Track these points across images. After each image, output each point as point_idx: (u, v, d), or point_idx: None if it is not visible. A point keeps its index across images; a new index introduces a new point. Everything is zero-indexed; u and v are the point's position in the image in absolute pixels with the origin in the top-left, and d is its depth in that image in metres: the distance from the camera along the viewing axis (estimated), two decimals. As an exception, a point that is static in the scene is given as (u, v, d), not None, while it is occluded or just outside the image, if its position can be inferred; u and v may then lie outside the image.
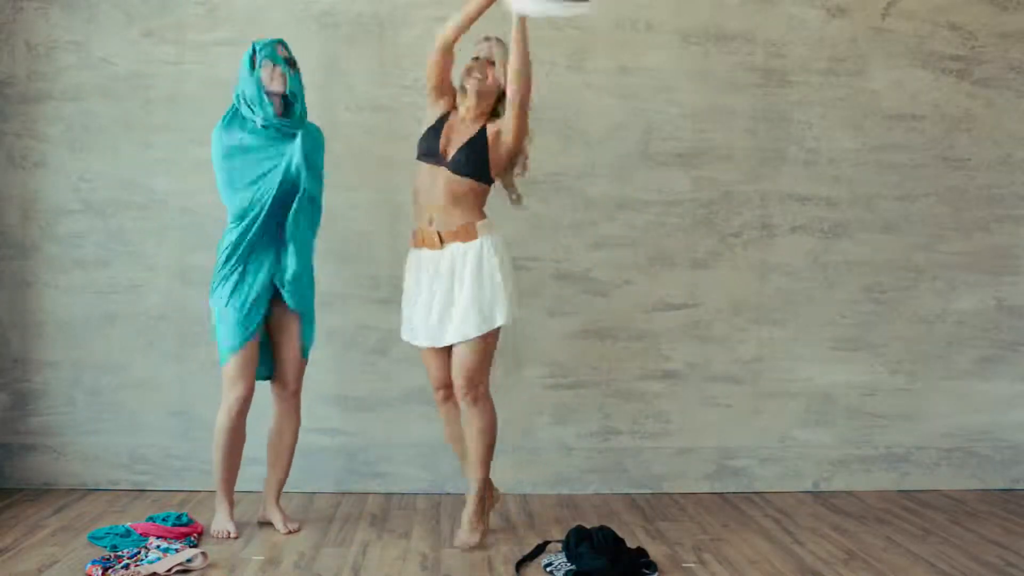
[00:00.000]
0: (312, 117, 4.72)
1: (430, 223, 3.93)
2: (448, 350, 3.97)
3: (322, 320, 4.69)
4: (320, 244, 4.69)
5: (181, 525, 4.04)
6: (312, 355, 4.67)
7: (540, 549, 3.84)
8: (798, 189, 4.87)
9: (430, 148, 3.96)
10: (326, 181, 4.72)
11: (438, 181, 3.92)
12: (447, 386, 4.04)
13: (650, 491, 4.82)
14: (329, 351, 4.73)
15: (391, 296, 4.73)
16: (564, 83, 4.75)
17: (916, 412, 4.95)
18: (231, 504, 4.10)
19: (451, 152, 3.93)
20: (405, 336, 4.09)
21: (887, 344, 4.93)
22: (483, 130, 3.97)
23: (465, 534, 3.92)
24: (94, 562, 3.61)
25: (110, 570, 3.56)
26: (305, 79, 4.65)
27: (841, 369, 4.91)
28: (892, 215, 4.91)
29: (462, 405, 3.96)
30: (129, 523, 4.06)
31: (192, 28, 4.67)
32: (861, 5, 4.85)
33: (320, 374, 4.69)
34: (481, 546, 3.93)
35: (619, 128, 4.80)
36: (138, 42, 4.68)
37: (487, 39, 4.01)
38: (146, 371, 4.72)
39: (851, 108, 4.87)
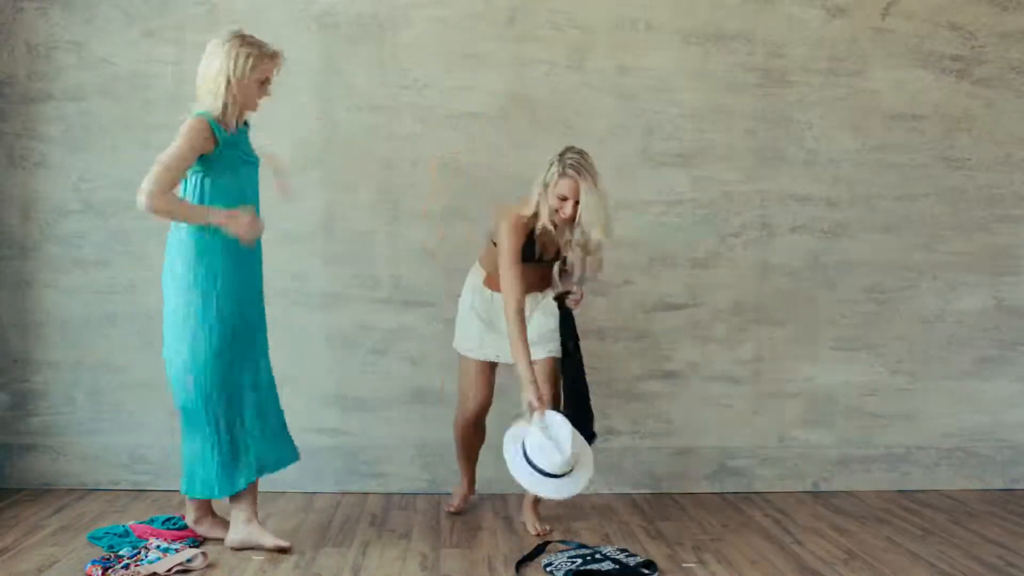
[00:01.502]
0: (312, 117, 4.75)
1: None
2: (494, 376, 4.27)
3: (322, 320, 4.71)
4: (320, 244, 4.72)
5: (178, 529, 4.02)
6: (312, 355, 4.69)
7: (540, 549, 3.84)
8: (798, 189, 4.87)
9: (533, 255, 4.10)
10: (327, 180, 4.74)
11: (537, 272, 4.14)
12: (483, 410, 4.27)
13: (650, 491, 4.82)
14: (329, 351, 4.73)
15: (391, 296, 4.75)
16: (564, 83, 4.75)
17: (916, 412, 4.95)
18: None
19: (548, 255, 4.15)
20: (481, 355, 4.20)
21: (887, 344, 4.93)
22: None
23: (538, 522, 4.18)
24: (94, 562, 3.61)
25: (110, 570, 3.56)
26: (305, 79, 4.67)
27: (841, 369, 4.91)
28: (892, 215, 4.92)
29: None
30: (129, 523, 4.06)
31: (192, 28, 4.67)
32: (861, 5, 4.85)
33: (320, 374, 4.70)
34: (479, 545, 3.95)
35: (619, 128, 4.80)
36: (138, 42, 4.68)
37: (574, 170, 3.92)
38: (146, 371, 4.71)
39: (851, 108, 4.87)
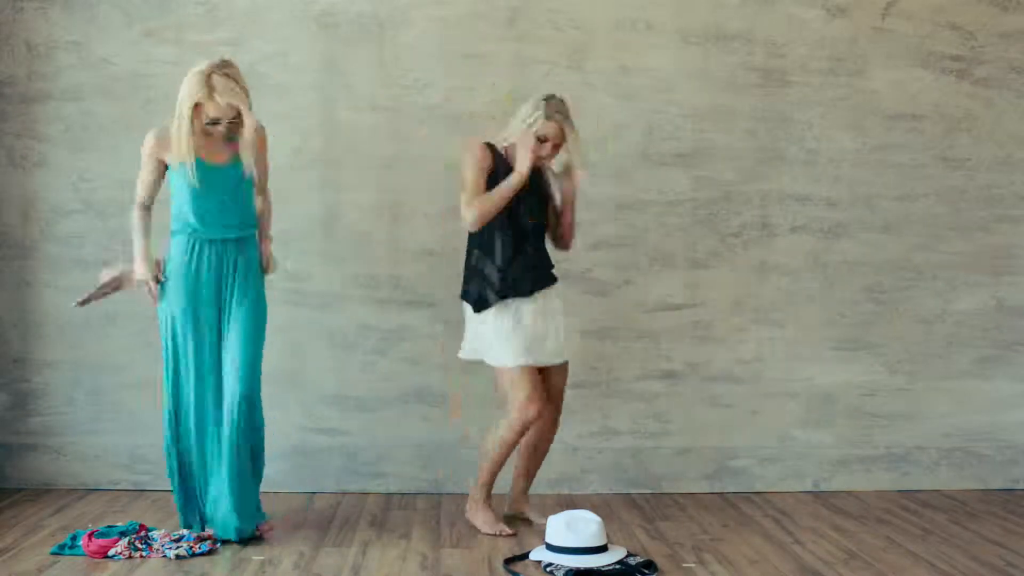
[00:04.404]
0: (312, 117, 4.76)
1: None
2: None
3: (322, 320, 4.71)
4: (320, 244, 4.72)
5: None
6: (312, 355, 4.68)
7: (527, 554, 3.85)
8: (798, 189, 4.87)
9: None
10: (327, 180, 4.74)
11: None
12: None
13: (650, 491, 4.82)
14: (329, 351, 4.73)
15: (391, 296, 4.75)
16: (564, 83, 4.74)
17: (916, 412, 4.95)
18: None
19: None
20: (529, 360, 4.07)
21: (887, 344, 4.93)
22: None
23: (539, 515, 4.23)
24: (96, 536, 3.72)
25: (111, 549, 3.67)
26: (305, 79, 4.68)
27: (841, 369, 4.91)
28: (892, 215, 4.92)
29: (552, 425, 4.25)
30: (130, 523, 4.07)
31: (192, 28, 4.67)
32: (861, 5, 4.85)
33: (320, 374, 4.70)
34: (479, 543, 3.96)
35: (619, 128, 4.80)
36: (138, 42, 4.68)
37: (557, 113, 4.01)
38: (146, 371, 4.70)
39: (851, 108, 4.87)
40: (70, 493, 4.64)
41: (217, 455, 3.95)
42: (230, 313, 3.96)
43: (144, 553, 3.74)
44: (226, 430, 3.92)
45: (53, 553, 3.77)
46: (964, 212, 4.95)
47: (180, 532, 3.92)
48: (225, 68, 3.84)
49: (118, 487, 4.72)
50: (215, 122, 3.84)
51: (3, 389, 4.74)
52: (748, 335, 4.88)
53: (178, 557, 3.73)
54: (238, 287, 3.97)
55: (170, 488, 4.07)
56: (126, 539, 3.77)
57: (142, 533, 3.87)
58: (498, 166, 4.07)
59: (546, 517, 4.03)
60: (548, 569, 3.65)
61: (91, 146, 4.70)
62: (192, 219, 3.92)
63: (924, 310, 4.94)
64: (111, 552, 3.72)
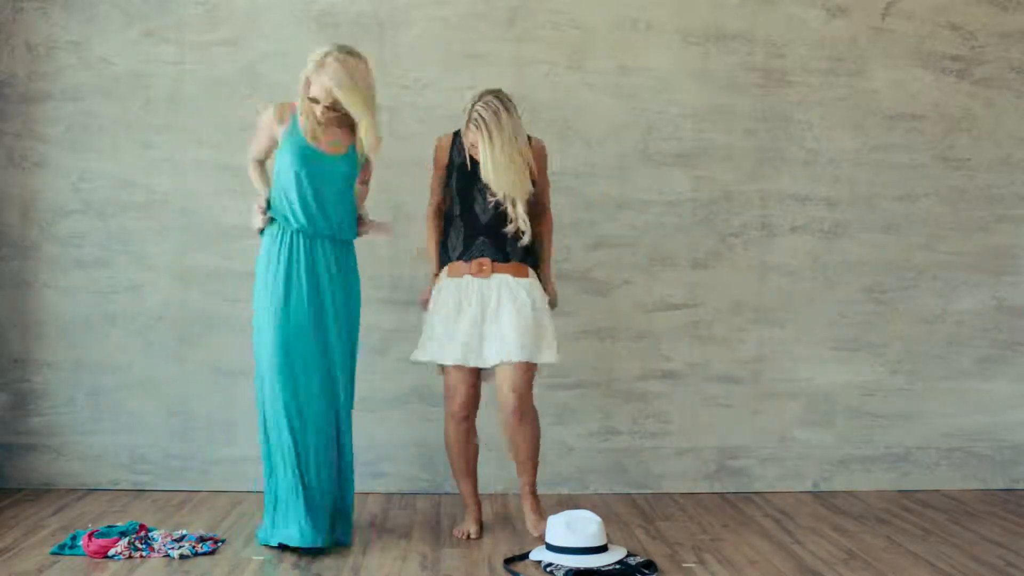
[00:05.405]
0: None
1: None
2: (476, 373, 4.08)
3: (322, 320, 4.70)
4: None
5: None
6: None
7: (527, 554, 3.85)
8: (798, 189, 4.88)
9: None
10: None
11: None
12: (469, 406, 4.09)
13: (650, 491, 4.82)
14: (329, 351, 4.73)
15: (391, 296, 4.75)
16: (564, 83, 4.75)
17: (916, 412, 4.95)
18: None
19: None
20: (430, 356, 4.05)
21: (887, 344, 4.93)
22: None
23: (538, 522, 4.08)
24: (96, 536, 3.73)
25: (111, 549, 3.69)
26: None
27: (841, 369, 4.91)
28: (892, 215, 4.92)
29: (512, 420, 4.05)
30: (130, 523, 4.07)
31: (192, 28, 4.67)
32: (861, 5, 4.85)
33: (320, 374, 4.70)
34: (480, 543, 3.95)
35: (619, 128, 4.80)
36: (138, 42, 4.68)
37: (478, 122, 3.91)
38: (146, 371, 4.72)
39: (851, 108, 4.87)
40: (70, 493, 4.64)
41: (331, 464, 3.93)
42: (329, 317, 3.92)
43: (144, 553, 3.74)
44: (334, 439, 3.93)
45: (53, 553, 3.77)
46: (964, 212, 4.95)
47: (181, 532, 3.93)
48: (347, 54, 3.82)
49: (118, 487, 4.72)
50: (314, 100, 3.85)
51: (3, 389, 4.74)
52: (748, 335, 4.88)
53: (181, 557, 3.73)
54: (340, 294, 3.96)
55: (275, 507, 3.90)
56: (126, 539, 3.78)
57: (142, 533, 3.88)
58: (451, 154, 4.10)
59: (538, 525, 4.06)
60: (548, 569, 3.65)
61: (91, 146, 4.70)
62: (295, 209, 3.88)
63: (924, 310, 4.95)
64: (111, 552, 3.73)
